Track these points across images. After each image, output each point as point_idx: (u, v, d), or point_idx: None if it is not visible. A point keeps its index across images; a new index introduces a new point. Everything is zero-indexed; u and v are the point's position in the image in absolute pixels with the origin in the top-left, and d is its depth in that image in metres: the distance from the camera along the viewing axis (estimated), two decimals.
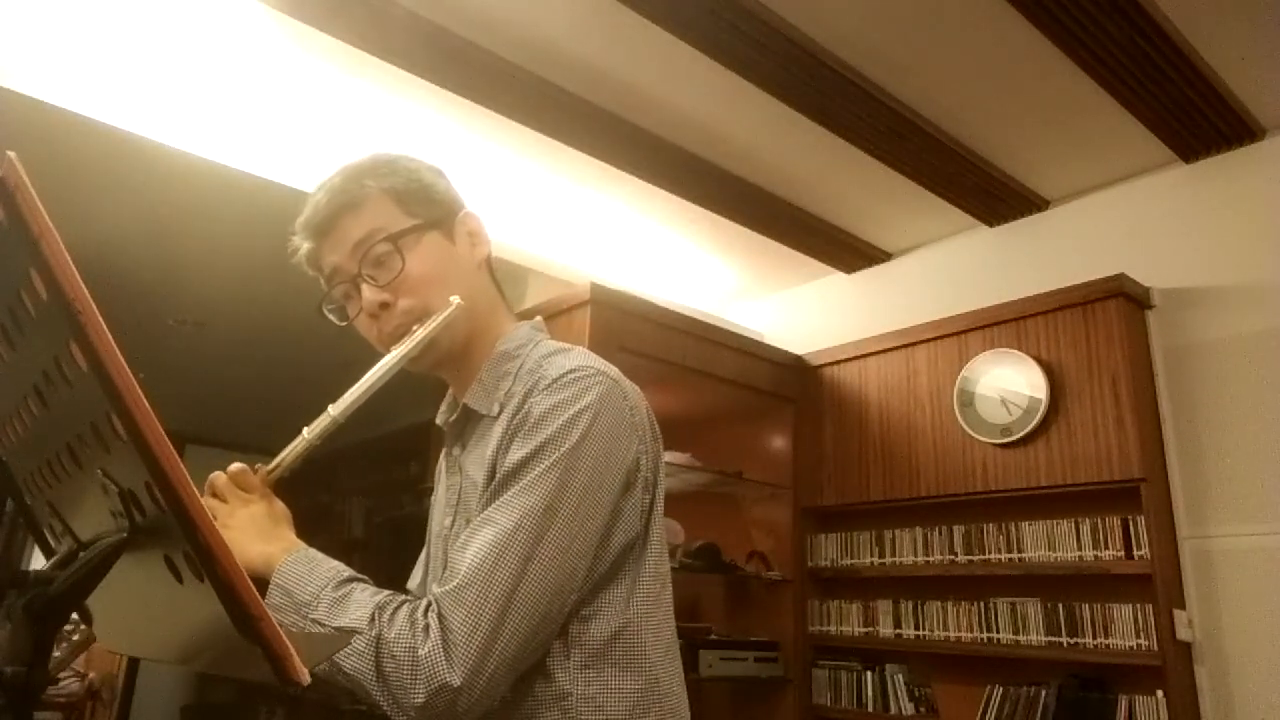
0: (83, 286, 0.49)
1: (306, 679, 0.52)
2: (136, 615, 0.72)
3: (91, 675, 5.89)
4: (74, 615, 0.65)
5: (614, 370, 0.99)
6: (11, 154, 0.49)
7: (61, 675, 5.33)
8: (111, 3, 2.21)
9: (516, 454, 0.91)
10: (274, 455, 0.99)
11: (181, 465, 0.50)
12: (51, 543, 0.71)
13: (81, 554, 0.59)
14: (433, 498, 1.14)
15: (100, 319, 0.49)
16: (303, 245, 1.06)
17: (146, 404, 0.49)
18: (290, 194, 2.86)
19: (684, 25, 2.27)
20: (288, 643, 0.51)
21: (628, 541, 0.95)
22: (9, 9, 2.21)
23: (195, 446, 5.91)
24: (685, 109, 2.70)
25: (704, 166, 2.98)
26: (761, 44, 2.32)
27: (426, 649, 0.82)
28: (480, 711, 0.83)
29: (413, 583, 1.12)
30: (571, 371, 0.95)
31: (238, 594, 0.50)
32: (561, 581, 0.87)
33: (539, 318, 1.14)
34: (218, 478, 0.96)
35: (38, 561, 0.66)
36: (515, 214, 3.26)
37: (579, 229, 3.40)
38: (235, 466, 0.97)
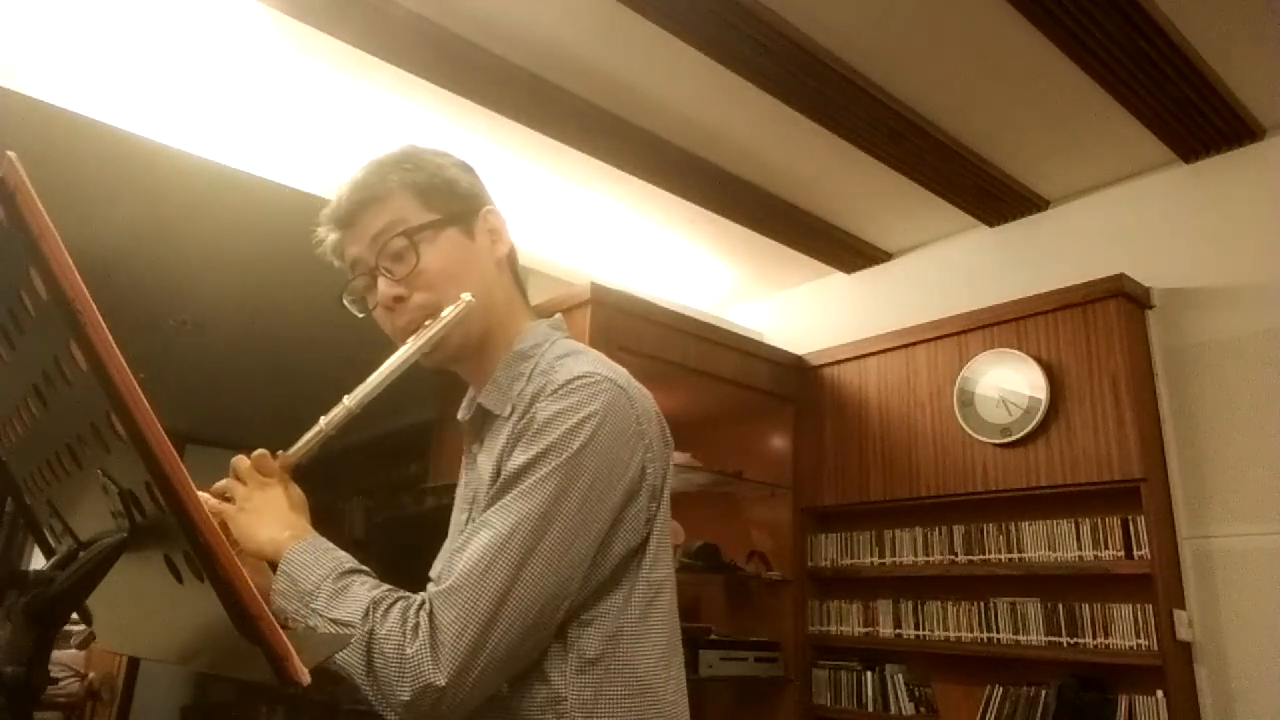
0: (83, 286, 0.49)
1: (306, 679, 0.52)
2: (136, 615, 0.72)
3: (91, 675, 5.89)
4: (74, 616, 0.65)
5: (623, 376, 0.99)
6: (11, 154, 0.49)
7: (61, 675, 5.32)
8: (111, 3, 2.21)
9: (519, 459, 0.91)
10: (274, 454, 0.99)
11: (181, 465, 0.50)
12: (51, 543, 0.71)
13: (81, 554, 0.59)
14: (457, 493, 1.13)
15: (100, 319, 0.49)
16: (328, 236, 1.07)
17: (146, 404, 0.49)
18: (291, 194, 2.86)
19: (684, 25, 2.27)
20: (288, 643, 0.51)
21: (629, 549, 0.95)
22: (9, 9, 2.21)
23: (195, 446, 5.91)
24: (685, 109, 2.70)
25: (704, 166, 2.98)
26: (761, 44, 2.32)
27: (414, 648, 0.82)
28: (464, 712, 0.84)
29: (434, 572, 1.12)
30: (579, 378, 0.94)
31: (238, 594, 0.50)
32: (555, 588, 0.87)
33: (558, 315, 1.13)
34: (240, 461, 0.96)
35: (38, 561, 0.66)
36: (515, 214, 3.24)
37: (579, 229, 3.39)
38: (257, 452, 0.97)
